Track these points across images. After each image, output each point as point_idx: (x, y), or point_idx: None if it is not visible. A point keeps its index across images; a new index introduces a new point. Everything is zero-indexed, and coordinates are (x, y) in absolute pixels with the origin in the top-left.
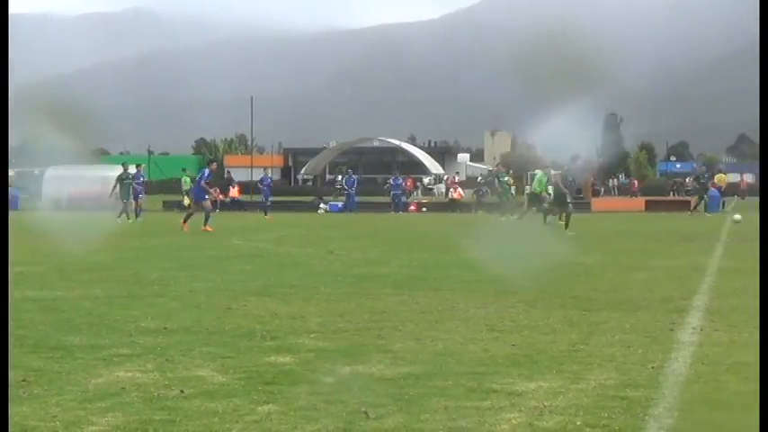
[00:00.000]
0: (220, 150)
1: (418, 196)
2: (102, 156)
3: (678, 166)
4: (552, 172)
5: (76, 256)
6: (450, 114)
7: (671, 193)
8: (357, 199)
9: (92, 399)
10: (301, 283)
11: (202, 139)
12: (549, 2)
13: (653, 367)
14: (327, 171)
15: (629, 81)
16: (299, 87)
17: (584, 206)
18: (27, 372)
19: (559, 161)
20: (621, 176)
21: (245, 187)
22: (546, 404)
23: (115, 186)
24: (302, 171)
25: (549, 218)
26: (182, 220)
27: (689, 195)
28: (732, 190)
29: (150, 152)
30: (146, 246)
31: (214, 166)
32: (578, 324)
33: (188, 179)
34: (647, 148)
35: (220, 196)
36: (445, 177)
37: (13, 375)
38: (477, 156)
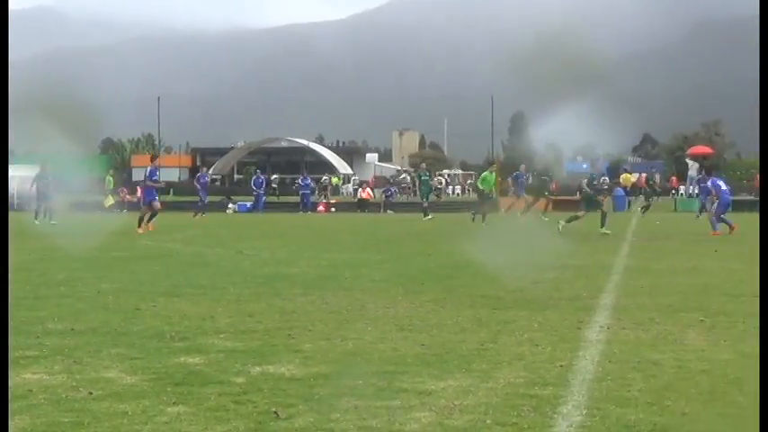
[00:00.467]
0: (127, 150)
1: (327, 196)
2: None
3: (585, 166)
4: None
5: None
6: (358, 114)
7: (577, 193)
8: (265, 199)
9: None
10: (211, 283)
11: (109, 139)
12: (454, 3)
13: (561, 365)
14: (236, 171)
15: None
16: (207, 87)
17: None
18: None
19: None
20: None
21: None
22: (455, 403)
23: (32, 186)
24: (210, 171)
25: (486, 216)
26: (137, 225)
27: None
28: (638, 189)
29: (56, 152)
30: (52, 246)
31: (157, 162)
32: (487, 323)
33: (111, 179)
34: (553, 148)
35: (128, 197)
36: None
37: None
38: (386, 155)
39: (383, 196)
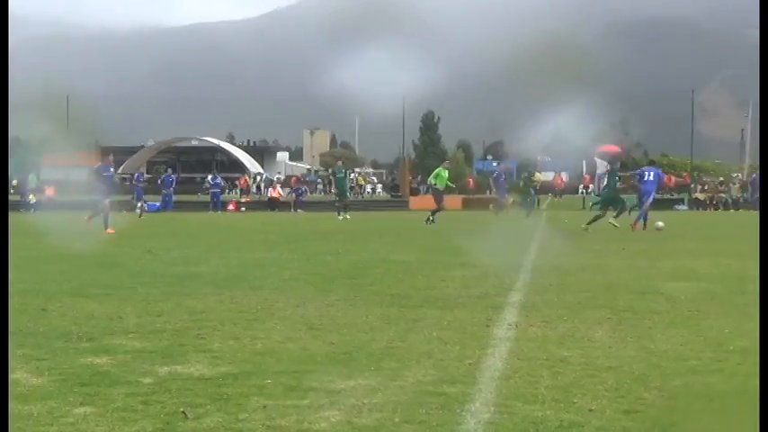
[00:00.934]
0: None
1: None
2: None
3: (495, 164)
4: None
5: None
6: (268, 113)
7: (488, 191)
8: (175, 198)
9: None
10: (118, 283)
11: (16, 138)
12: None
13: (470, 363)
14: (146, 170)
15: (445, 82)
16: (116, 85)
17: (401, 204)
18: None
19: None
20: None
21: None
22: (365, 402)
23: None
24: (119, 170)
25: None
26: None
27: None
28: (547, 188)
29: None
30: None
31: (110, 159)
32: (396, 321)
33: (35, 177)
34: (464, 147)
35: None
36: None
37: None
38: (296, 154)
39: (293, 195)
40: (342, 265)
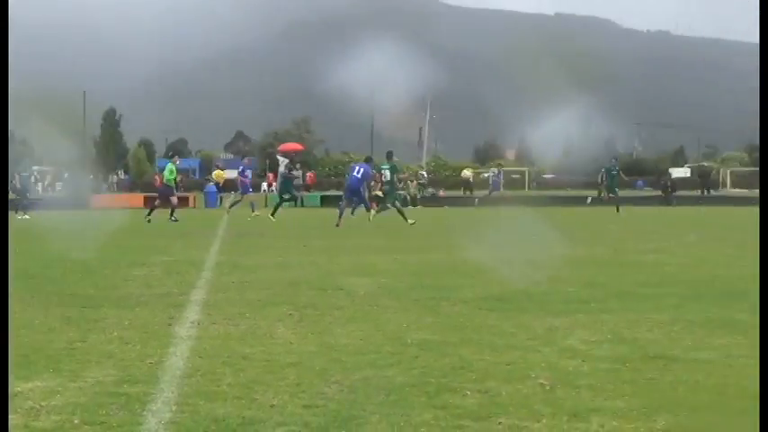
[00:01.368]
0: None
1: None
2: None
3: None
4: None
5: None
6: None
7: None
8: None
9: None
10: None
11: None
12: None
13: (151, 362)
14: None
15: (126, 82)
16: None
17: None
18: None
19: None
20: (121, 173)
21: None
22: (42, 404)
23: None
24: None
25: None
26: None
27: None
28: (232, 186)
29: None
30: None
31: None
32: (76, 322)
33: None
34: (146, 144)
35: None
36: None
37: None
38: None
39: None
40: (17, 264)
